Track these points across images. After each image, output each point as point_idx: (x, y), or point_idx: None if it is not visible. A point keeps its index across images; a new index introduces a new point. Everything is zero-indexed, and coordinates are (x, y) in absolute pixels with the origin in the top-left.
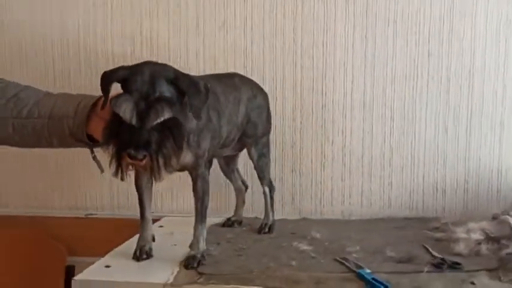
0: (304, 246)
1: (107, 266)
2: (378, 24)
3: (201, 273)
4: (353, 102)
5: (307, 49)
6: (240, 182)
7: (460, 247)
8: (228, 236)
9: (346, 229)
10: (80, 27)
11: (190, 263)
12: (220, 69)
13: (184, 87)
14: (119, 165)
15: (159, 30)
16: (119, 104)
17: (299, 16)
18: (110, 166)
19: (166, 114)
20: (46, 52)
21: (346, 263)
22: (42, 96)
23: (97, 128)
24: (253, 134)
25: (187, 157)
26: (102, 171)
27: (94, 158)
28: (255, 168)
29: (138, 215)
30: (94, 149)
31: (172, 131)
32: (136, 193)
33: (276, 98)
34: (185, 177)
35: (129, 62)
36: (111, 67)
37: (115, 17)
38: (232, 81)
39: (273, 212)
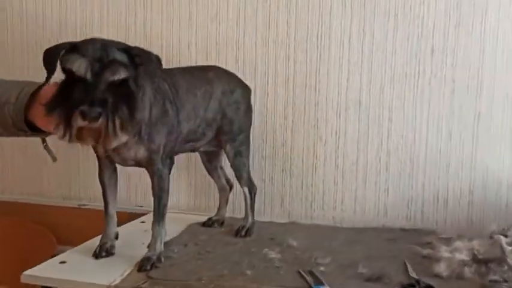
0: (273, 254)
1: (62, 262)
2: (377, 16)
3: (149, 277)
4: (348, 101)
5: (300, 42)
6: (223, 181)
7: (441, 268)
8: (201, 237)
9: (330, 237)
10: (77, 16)
11: (144, 265)
12: (212, 61)
13: (137, 53)
14: (67, 127)
15: (153, 21)
16: (72, 60)
17: (293, 7)
18: (56, 129)
19: (123, 74)
20: (44, 40)
21: (307, 277)
22: None
23: (38, 115)
24: (229, 131)
25: (140, 151)
26: (54, 159)
27: (45, 147)
28: (231, 166)
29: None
30: (46, 138)
31: (126, 97)
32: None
33: (268, 93)
34: (175, 171)
35: None
36: None
37: (111, 7)
38: (206, 74)
39: (252, 214)
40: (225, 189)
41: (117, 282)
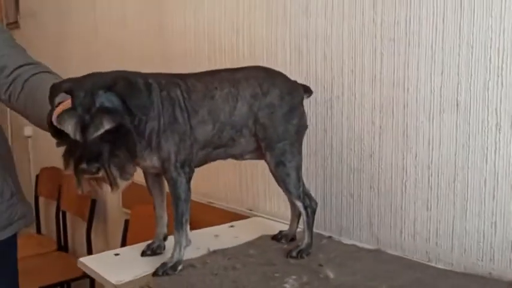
0: (288, 286)
1: (116, 254)
2: None
3: (147, 285)
4: (442, 102)
5: (387, 29)
6: None
7: None
8: (250, 251)
9: (396, 276)
10: (205, 21)
11: (158, 270)
12: (304, 58)
13: (121, 91)
14: (79, 181)
15: (256, 22)
16: (63, 120)
17: None
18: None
19: (106, 125)
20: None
21: None
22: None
23: None
24: (264, 138)
25: (153, 160)
26: None
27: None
28: (274, 178)
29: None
30: None
31: (123, 139)
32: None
33: (355, 95)
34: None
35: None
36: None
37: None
38: (233, 75)
39: (310, 233)
40: (295, 205)
41: (124, 282)
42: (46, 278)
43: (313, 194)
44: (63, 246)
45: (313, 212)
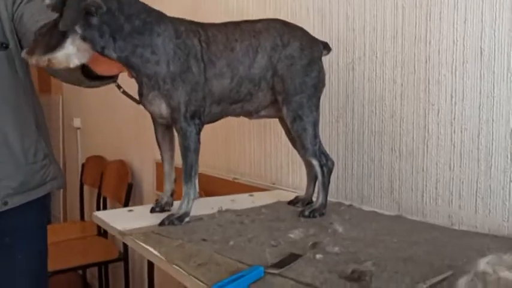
0: (293, 235)
1: (130, 210)
2: None
3: (152, 231)
4: (466, 51)
5: None
6: None
7: None
8: (262, 210)
9: (412, 234)
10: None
11: (164, 220)
12: (326, 20)
13: None
14: None
15: None
16: None
17: None
18: None
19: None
20: None
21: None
22: None
23: (93, 63)
24: (282, 91)
25: (161, 107)
26: (138, 102)
27: (123, 92)
28: (292, 133)
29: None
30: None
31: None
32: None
33: (376, 53)
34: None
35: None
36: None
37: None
38: (253, 26)
39: (324, 193)
40: (310, 164)
41: (129, 228)
42: (86, 258)
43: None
44: (102, 232)
45: (329, 171)
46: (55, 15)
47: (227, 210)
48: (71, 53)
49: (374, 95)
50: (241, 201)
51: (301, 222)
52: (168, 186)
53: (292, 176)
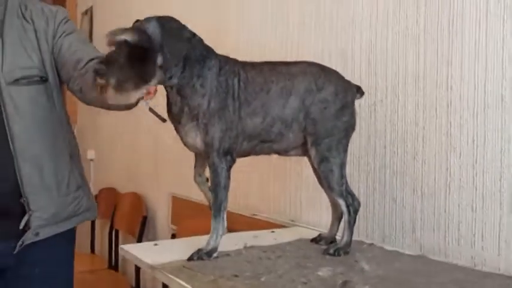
0: (321, 273)
1: (155, 244)
2: None
3: (183, 266)
4: (487, 97)
5: (430, 29)
6: None
7: None
8: (287, 248)
9: (433, 275)
10: (257, 37)
11: (193, 255)
12: (348, 65)
13: (166, 26)
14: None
15: (305, 35)
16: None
17: None
18: None
19: (126, 36)
20: None
21: None
22: None
23: None
24: (313, 132)
25: (197, 140)
26: (163, 121)
27: (150, 110)
28: (319, 173)
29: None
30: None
31: (141, 62)
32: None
33: (398, 96)
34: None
35: None
36: None
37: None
38: (290, 69)
39: (350, 232)
40: (336, 203)
41: (160, 263)
42: None
43: None
44: (113, 265)
45: (355, 211)
46: (92, 46)
47: (252, 247)
48: None
49: (396, 137)
50: (264, 238)
51: (327, 260)
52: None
53: (312, 214)
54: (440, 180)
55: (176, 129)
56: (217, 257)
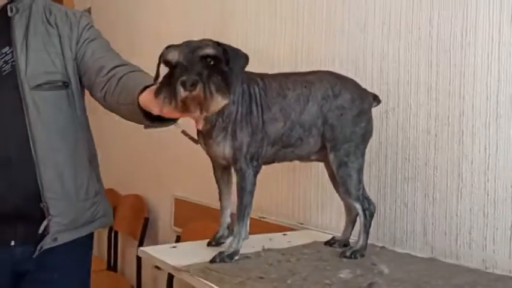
0: (343, 275)
1: (173, 247)
2: None
3: (207, 268)
4: (499, 107)
5: (443, 41)
6: None
7: None
8: (304, 250)
9: (447, 277)
10: (266, 42)
11: (215, 257)
12: (360, 72)
13: (226, 48)
14: (172, 97)
15: (315, 41)
16: (167, 52)
17: (436, 2)
18: (164, 103)
19: (211, 50)
20: None
21: None
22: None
23: (152, 104)
24: (331, 138)
25: (226, 148)
26: (196, 142)
27: (183, 132)
28: (337, 178)
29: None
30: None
31: (219, 74)
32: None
33: (411, 105)
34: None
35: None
36: None
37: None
38: (305, 77)
39: (365, 236)
40: (350, 207)
41: (183, 265)
42: None
43: None
44: (112, 266)
45: (371, 215)
46: (115, 53)
47: (270, 249)
48: None
49: (407, 143)
50: (278, 240)
51: (344, 263)
52: (224, 219)
53: (321, 216)
54: (452, 186)
55: (205, 144)
56: (238, 260)
